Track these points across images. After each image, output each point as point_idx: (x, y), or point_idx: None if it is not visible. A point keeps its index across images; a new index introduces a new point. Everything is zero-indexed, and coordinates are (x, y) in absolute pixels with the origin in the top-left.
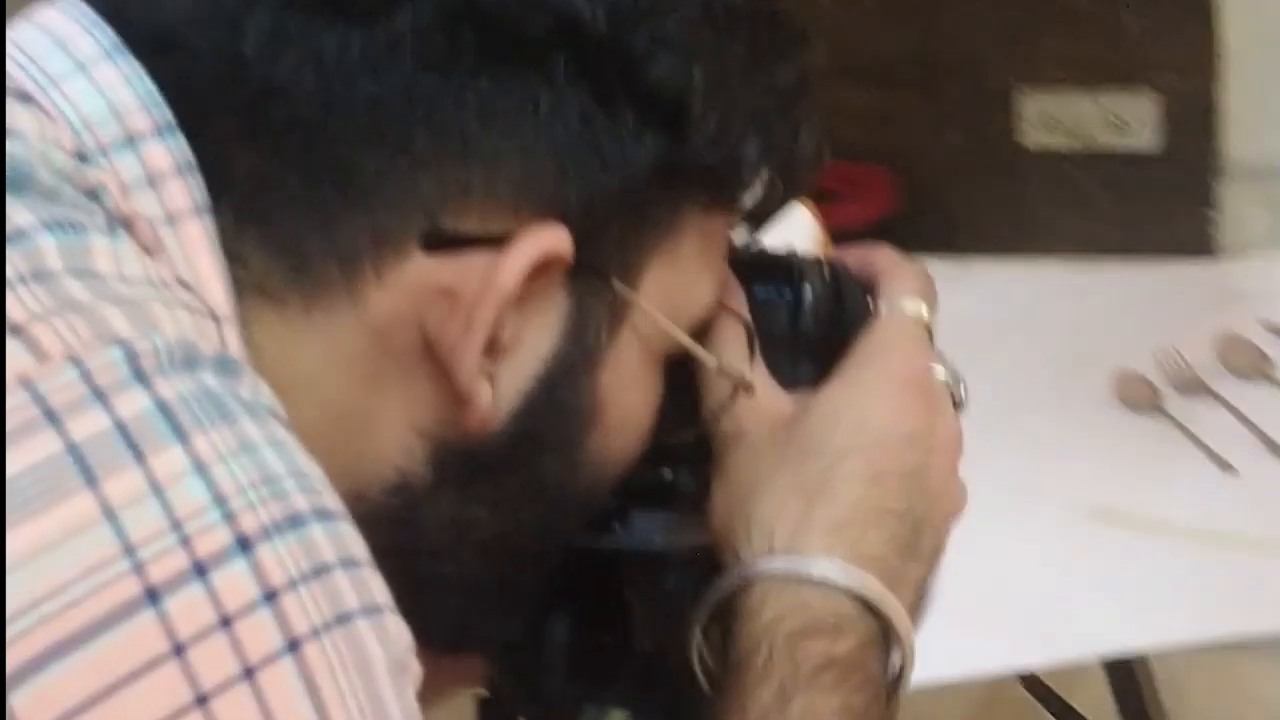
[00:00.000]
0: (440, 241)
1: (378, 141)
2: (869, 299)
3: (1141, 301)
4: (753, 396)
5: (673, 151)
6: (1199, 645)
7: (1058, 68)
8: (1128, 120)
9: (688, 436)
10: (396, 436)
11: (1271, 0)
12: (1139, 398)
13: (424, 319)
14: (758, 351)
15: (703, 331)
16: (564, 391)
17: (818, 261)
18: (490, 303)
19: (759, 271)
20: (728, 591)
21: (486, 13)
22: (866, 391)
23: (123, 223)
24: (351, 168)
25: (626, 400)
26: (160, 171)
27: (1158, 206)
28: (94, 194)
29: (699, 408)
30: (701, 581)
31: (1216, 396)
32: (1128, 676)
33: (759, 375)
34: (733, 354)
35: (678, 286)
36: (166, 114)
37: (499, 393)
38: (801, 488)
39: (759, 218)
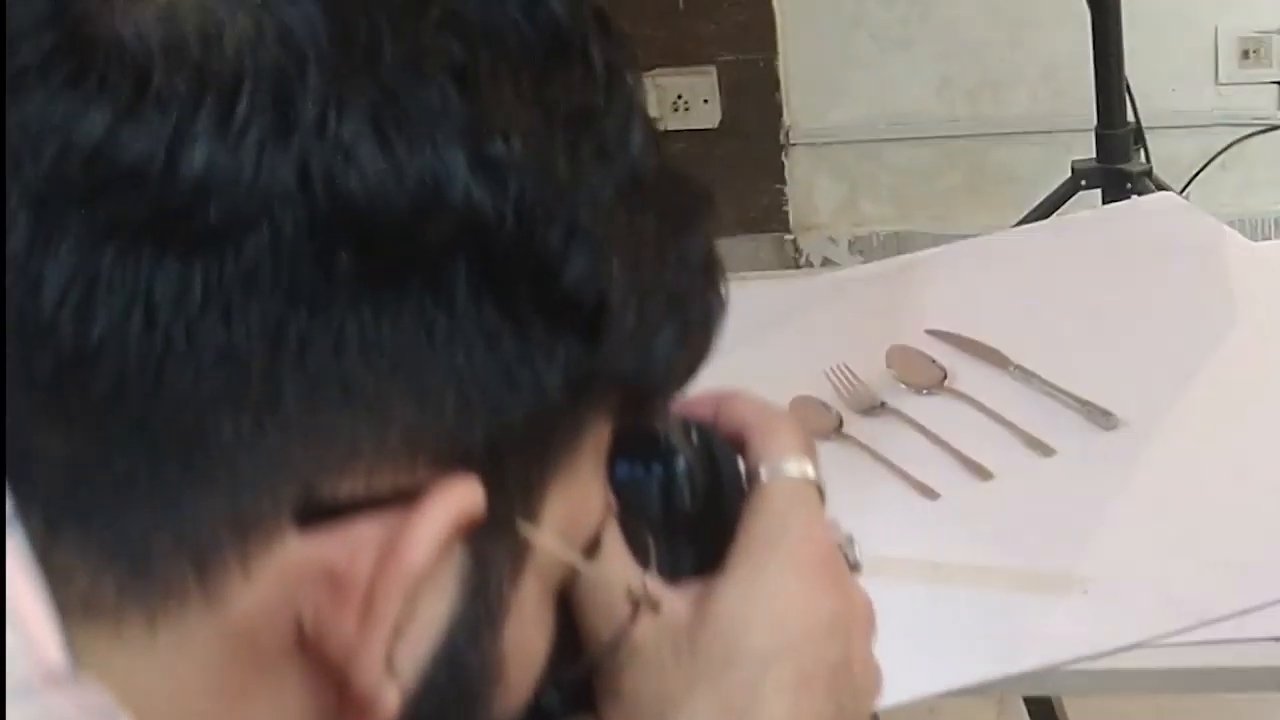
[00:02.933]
0: (319, 514)
1: (235, 403)
2: (741, 461)
3: (785, 310)
4: (658, 614)
5: (586, 359)
6: (935, 695)
7: None
8: (689, 100)
9: (581, 670)
10: None
11: None
12: (818, 424)
13: (299, 610)
14: (653, 553)
15: (594, 545)
16: (467, 657)
17: (682, 424)
18: (395, 586)
19: (619, 445)
20: None
21: (367, 223)
22: (773, 582)
23: None
24: (201, 440)
25: (527, 644)
26: None
27: (727, 184)
28: None
29: (579, 630)
30: None
31: (899, 414)
32: None
33: (649, 579)
34: (625, 566)
35: (575, 506)
36: None
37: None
38: (724, 708)
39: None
